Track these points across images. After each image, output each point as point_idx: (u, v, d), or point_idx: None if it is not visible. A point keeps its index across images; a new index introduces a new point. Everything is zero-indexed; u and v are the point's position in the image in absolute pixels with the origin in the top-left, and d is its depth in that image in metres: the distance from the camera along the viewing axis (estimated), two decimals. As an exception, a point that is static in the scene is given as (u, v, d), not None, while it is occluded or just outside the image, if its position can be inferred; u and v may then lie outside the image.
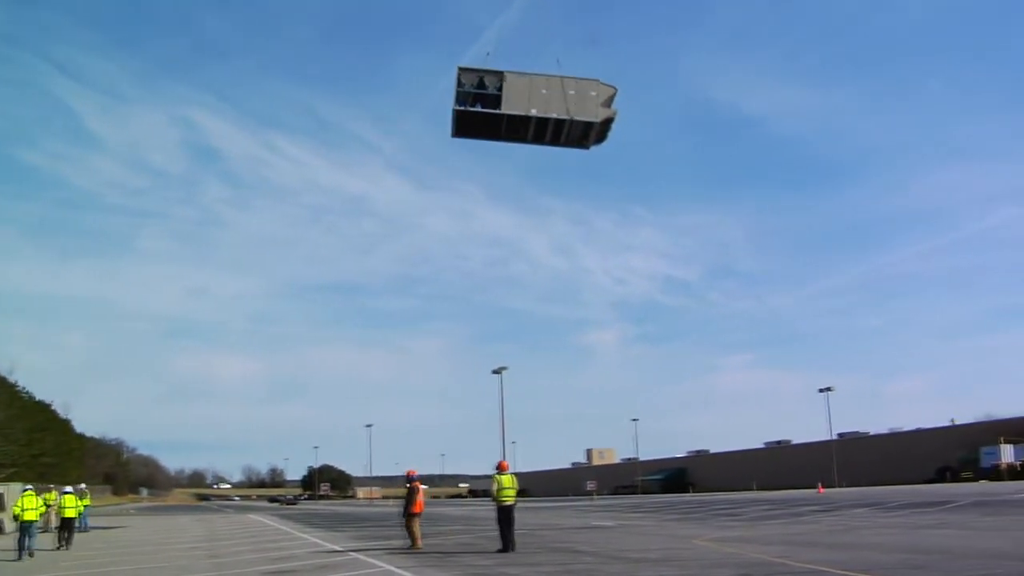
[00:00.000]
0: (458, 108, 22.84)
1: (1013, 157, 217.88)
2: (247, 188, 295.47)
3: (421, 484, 23.50)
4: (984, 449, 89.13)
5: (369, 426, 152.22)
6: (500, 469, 20.85)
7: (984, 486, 66.49)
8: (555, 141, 23.59)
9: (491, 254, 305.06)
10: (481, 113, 22.95)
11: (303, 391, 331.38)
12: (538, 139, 23.49)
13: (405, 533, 22.96)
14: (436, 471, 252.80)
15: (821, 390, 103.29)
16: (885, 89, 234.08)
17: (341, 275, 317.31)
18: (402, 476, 26.46)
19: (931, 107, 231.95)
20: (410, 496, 22.75)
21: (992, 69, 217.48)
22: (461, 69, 22.79)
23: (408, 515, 22.80)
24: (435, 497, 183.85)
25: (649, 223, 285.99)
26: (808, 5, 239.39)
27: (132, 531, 41.97)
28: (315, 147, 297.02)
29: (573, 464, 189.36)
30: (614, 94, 23.38)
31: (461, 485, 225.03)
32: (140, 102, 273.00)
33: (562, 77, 22.99)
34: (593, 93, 23.07)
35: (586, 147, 23.90)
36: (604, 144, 24.40)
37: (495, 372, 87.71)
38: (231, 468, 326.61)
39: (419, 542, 22.60)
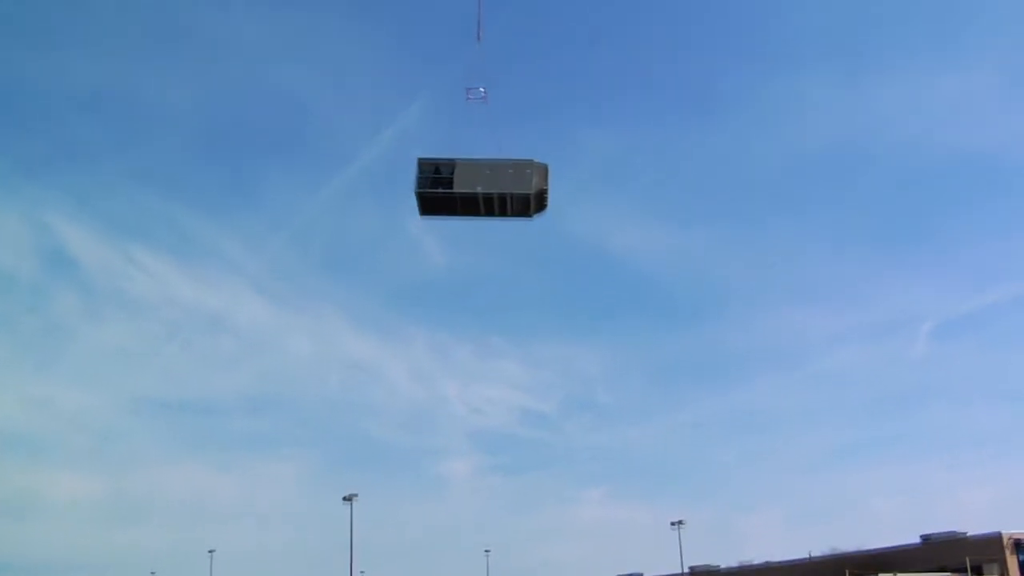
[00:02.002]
0: (419, 191, 27.46)
1: (856, 298, 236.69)
2: (101, 299, 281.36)
3: None
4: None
5: (211, 551, 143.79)
6: None
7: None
8: (503, 213, 27.59)
9: (349, 379, 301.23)
10: (438, 194, 27.45)
11: (146, 513, 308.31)
12: (489, 212, 27.37)
13: None
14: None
15: (673, 524, 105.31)
16: (738, 230, 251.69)
17: (194, 394, 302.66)
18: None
19: (780, 249, 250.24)
20: None
21: (838, 215, 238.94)
22: (420, 160, 27.36)
23: None
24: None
25: (507, 354, 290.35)
26: (667, 148, 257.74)
27: None
28: (176, 261, 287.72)
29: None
30: (547, 170, 27.83)
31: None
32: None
33: (502, 161, 27.27)
34: (528, 171, 27.49)
35: (529, 217, 27.88)
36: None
37: (345, 499, 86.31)
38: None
39: None
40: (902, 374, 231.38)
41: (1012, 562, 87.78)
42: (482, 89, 28.84)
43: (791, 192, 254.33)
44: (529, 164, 27.58)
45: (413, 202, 28.63)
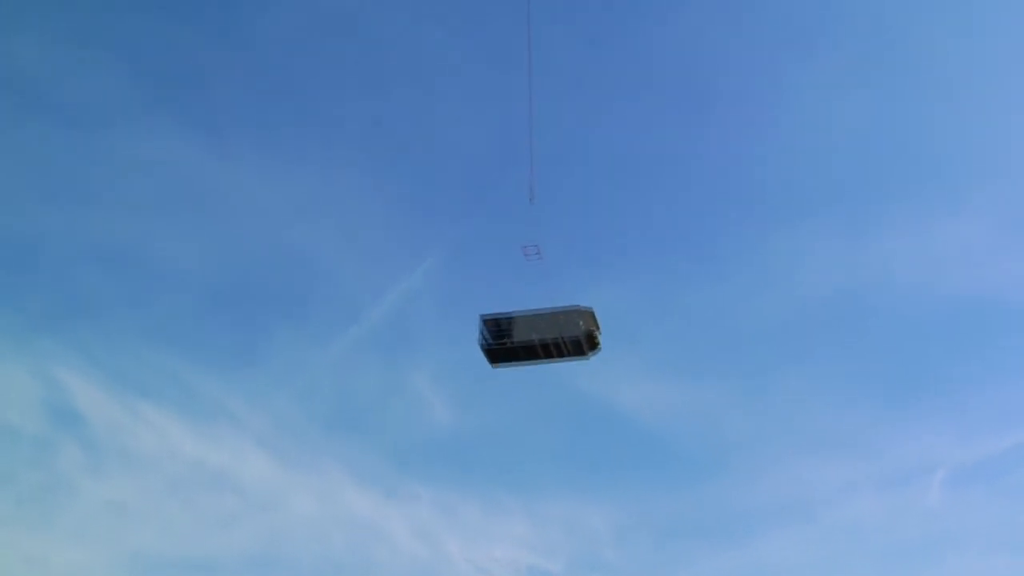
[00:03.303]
0: (484, 346, 32.27)
1: (867, 448, 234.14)
2: (104, 454, 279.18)
3: None
4: None
5: None
6: None
7: None
8: (560, 356, 32.22)
9: (353, 538, 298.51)
10: (503, 346, 31.94)
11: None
12: (547, 356, 32.00)
13: None
14: None
15: None
16: (745, 384, 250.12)
17: (194, 551, 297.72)
18: None
19: (789, 400, 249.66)
20: None
21: (844, 364, 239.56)
22: (483, 317, 32.26)
23: None
24: None
25: (514, 511, 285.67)
26: (671, 302, 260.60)
27: None
28: (180, 417, 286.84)
29: None
30: (593, 314, 32.23)
31: None
32: (3, 358, 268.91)
33: (553, 310, 31.96)
34: (576, 317, 31.79)
35: (585, 356, 32.54)
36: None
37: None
38: None
39: None
40: (917, 524, 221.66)
41: None
42: (537, 247, 33.13)
43: (797, 343, 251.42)
44: (576, 310, 31.86)
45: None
